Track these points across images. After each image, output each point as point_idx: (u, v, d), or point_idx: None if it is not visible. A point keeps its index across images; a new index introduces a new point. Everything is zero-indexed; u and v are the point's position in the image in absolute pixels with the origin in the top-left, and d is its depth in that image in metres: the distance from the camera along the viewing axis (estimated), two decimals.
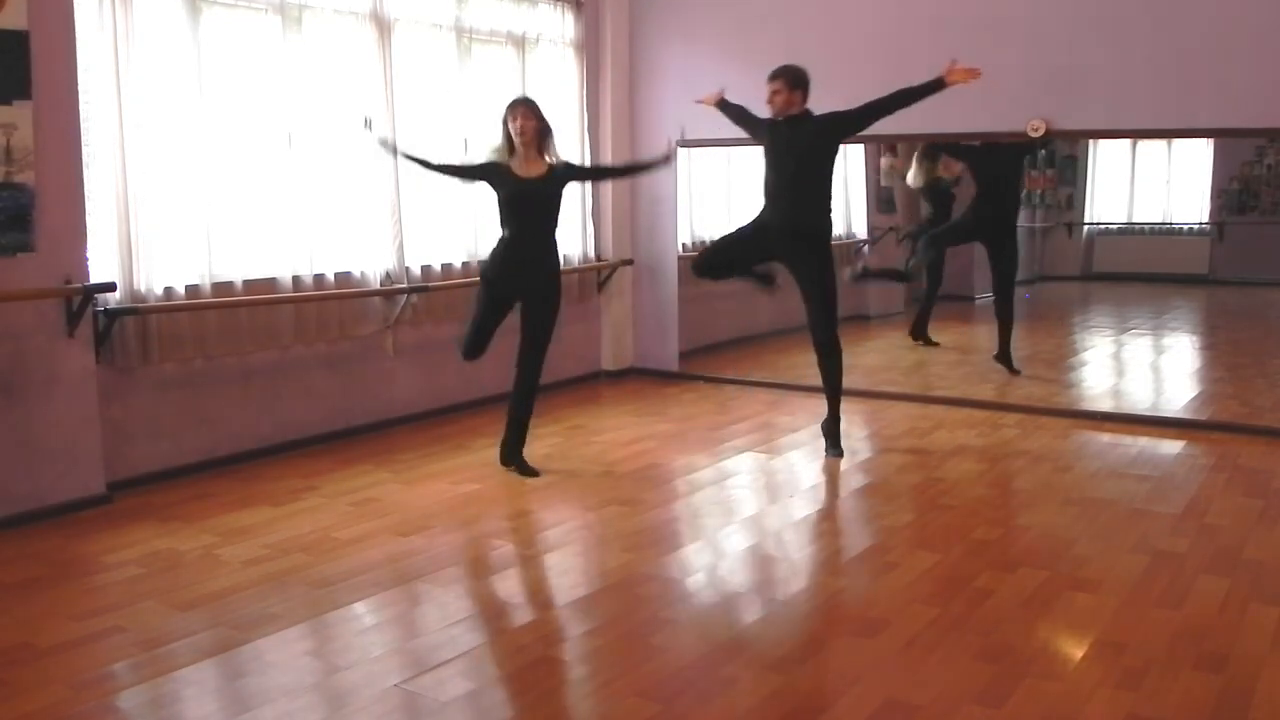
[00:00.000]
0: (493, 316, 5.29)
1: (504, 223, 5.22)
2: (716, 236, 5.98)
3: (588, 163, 7.31)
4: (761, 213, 5.65)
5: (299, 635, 3.52)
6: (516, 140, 5.13)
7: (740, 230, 5.79)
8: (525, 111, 5.12)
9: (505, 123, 5.16)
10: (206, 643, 3.45)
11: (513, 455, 5.37)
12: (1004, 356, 7.66)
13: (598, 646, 3.50)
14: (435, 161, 5.35)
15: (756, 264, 5.86)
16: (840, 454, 5.62)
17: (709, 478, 5.33)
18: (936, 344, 8.69)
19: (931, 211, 8.56)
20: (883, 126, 6.95)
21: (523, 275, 5.20)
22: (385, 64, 6.01)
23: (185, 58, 5.16)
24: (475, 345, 5.35)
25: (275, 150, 5.59)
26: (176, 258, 5.23)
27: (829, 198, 5.59)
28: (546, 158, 5.20)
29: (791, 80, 5.50)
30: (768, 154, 5.65)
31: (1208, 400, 7.20)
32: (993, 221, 7.62)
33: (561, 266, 5.43)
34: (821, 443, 5.75)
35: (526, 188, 5.15)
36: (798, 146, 5.50)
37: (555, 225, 5.27)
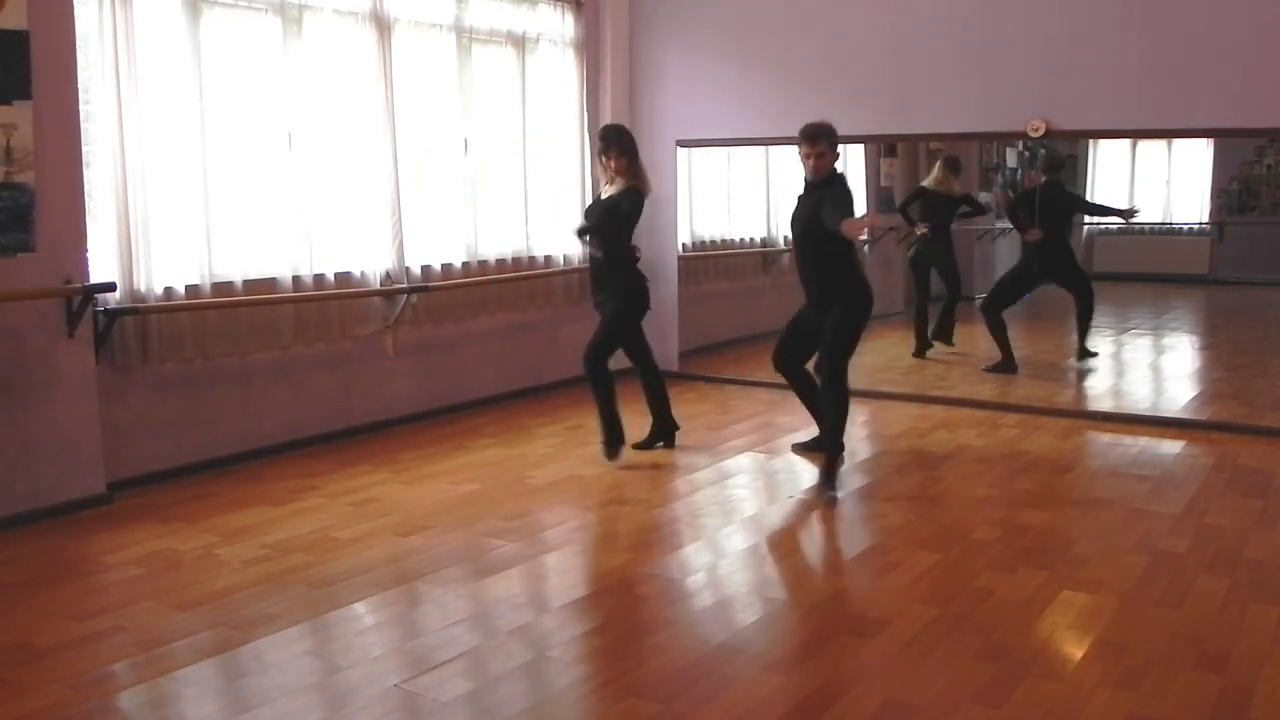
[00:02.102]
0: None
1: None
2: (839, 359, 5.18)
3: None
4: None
5: (299, 635, 3.52)
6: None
7: (798, 318, 5.37)
8: (616, 152, 5.45)
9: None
10: (206, 643, 3.45)
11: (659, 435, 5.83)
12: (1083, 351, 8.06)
13: (597, 646, 3.50)
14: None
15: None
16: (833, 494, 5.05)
17: (709, 478, 5.33)
18: (933, 345, 8.70)
19: (928, 220, 8.54)
20: (883, 126, 7.01)
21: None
22: (385, 64, 6.01)
23: (185, 58, 5.16)
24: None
25: (275, 150, 5.59)
26: (176, 258, 5.23)
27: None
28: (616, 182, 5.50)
29: (835, 141, 5.08)
30: (791, 224, 5.29)
31: (1208, 400, 7.20)
32: (1055, 257, 7.81)
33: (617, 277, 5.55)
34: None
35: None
36: (812, 211, 5.05)
37: (608, 241, 5.50)
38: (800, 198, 5.23)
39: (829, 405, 5.16)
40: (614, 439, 5.53)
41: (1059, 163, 7.99)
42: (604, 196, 5.57)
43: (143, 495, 5.01)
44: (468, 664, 3.31)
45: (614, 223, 5.45)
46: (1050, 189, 7.86)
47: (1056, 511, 4.78)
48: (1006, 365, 7.78)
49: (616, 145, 5.44)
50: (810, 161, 5.06)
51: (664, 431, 5.85)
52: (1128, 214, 8.82)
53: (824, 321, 5.16)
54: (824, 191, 5.02)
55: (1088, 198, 10.53)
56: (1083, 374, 8.06)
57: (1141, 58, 6.10)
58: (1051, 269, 7.87)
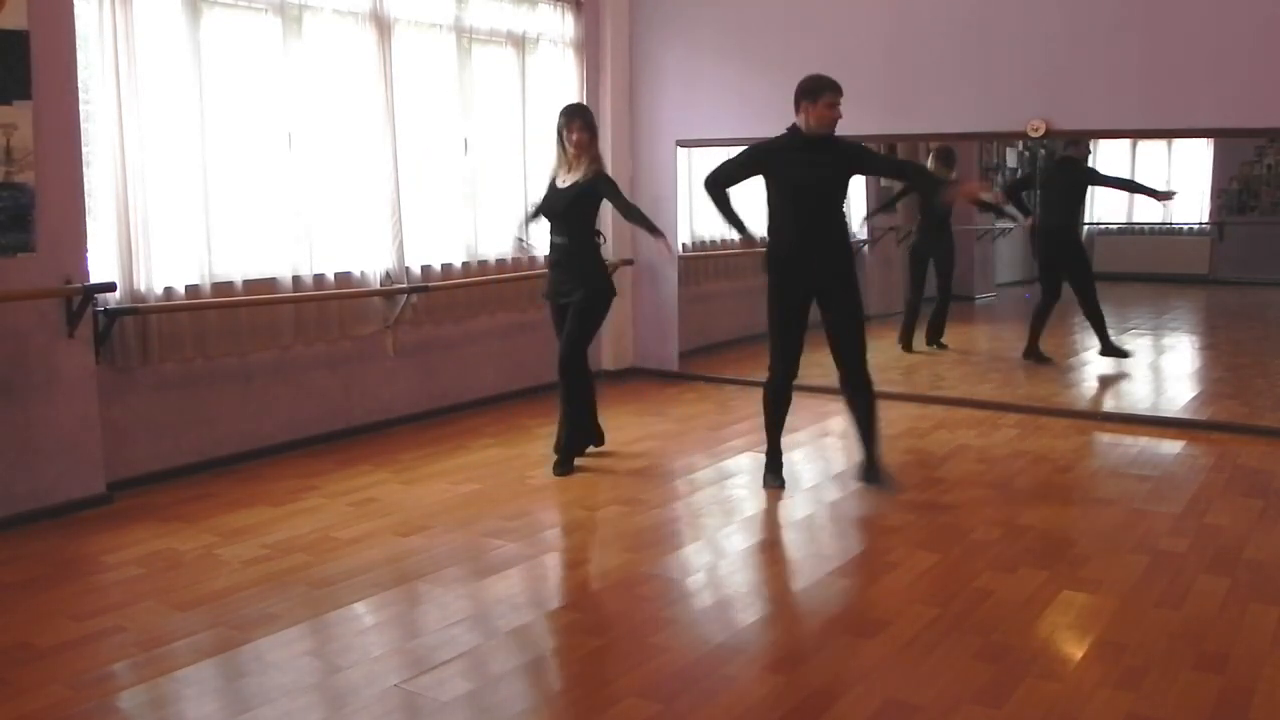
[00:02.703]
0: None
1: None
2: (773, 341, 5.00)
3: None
4: (783, 264, 4.85)
5: (299, 635, 3.52)
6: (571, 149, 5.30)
7: (785, 321, 4.92)
8: (580, 124, 5.26)
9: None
10: (206, 643, 3.45)
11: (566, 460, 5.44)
12: (1108, 348, 8.05)
13: (598, 646, 3.50)
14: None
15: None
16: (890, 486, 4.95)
17: (709, 478, 5.33)
18: (941, 343, 8.70)
19: (920, 217, 8.61)
20: (883, 126, 7.00)
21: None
22: (385, 64, 6.01)
23: (185, 58, 5.16)
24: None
25: (275, 150, 5.59)
26: (176, 258, 5.23)
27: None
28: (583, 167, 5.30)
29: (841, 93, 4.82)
30: (787, 183, 4.84)
31: (1208, 400, 7.20)
32: (1055, 235, 7.78)
33: (592, 263, 5.42)
34: (823, 442, 5.75)
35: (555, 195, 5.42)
36: (826, 170, 4.81)
37: (581, 229, 5.36)
38: (797, 156, 4.80)
39: (867, 405, 4.89)
40: (577, 449, 5.47)
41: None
42: (563, 184, 5.32)
43: (143, 495, 5.01)
44: (468, 664, 3.31)
45: (583, 208, 5.31)
46: (1068, 165, 7.75)
47: (1056, 511, 4.77)
48: (1030, 352, 7.90)
49: (580, 118, 5.25)
50: (830, 113, 4.72)
51: (589, 438, 5.60)
52: (1164, 195, 8.32)
53: (822, 300, 4.87)
54: (841, 150, 4.81)
55: (1088, 197, 10.50)
56: (1083, 374, 8.07)
57: (1141, 58, 6.09)
58: (1059, 256, 7.80)
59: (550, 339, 7.26)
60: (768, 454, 5.17)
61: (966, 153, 9.57)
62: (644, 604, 3.80)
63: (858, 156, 4.94)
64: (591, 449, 5.62)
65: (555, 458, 5.43)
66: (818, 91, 4.73)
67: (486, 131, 6.77)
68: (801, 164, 4.80)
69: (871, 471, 4.97)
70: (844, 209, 5.13)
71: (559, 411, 5.49)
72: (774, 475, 5.13)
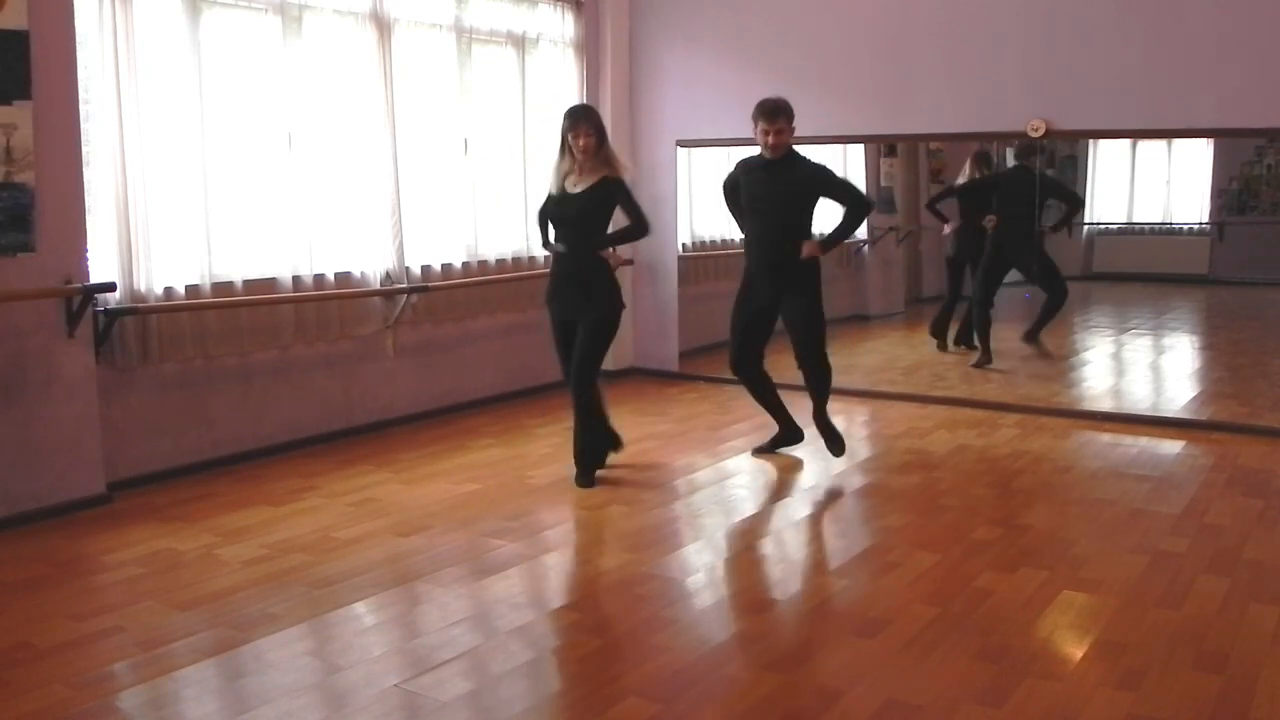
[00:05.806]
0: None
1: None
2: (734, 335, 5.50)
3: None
4: (746, 274, 5.43)
5: (299, 635, 3.52)
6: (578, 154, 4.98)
7: (742, 314, 5.49)
8: (587, 129, 4.94)
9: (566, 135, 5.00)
10: (206, 643, 3.45)
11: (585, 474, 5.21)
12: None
13: (598, 646, 3.50)
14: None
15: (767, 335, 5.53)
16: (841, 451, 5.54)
17: (709, 478, 5.33)
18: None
19: (965, 218, 8.50)
20: (883, 126, 7.01)
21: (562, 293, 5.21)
22: (385, 64, 6.01)
23: (185, 58, 5.16)
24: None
25: (275, 150, 5.59)
26: (176, 258, 5.23)
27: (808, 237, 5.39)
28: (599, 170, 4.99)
29: (791, 117, 5.21)
30: (746, 202, 5.37)
31: (1208, 400, 7.20)
32: (1021, 248, 7.76)
33: (604, 280, 5.12)
34: (822, 443, 5.75)
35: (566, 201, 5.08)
36: (783, 187, 5.25)
37: (592, 238, 5.04)
38: (755, 173, 5.30)
39: (819, 382, 5.48)
40: (599, 460, 5.27)
41: (1031, 149, 7.59)
42: (574, 188, 5.00)
43: (143, 495, 5.01)
44: (468, 664, 3.31)
45: (602, 217, 5.03)
46: (1019, 174, 7.72)
47: (1056, 511, 4.77)
48: (984, 359, 7.84)
49: (586, 122, 4.91)
50: (770, 139, 5.13)
51: (607, 445, 5.38)
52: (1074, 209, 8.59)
53: (781, 307, 5.37)
54: (800, 172, 5.19)
55: (1087, 197, 10.44)
56: (1082, 374, 8.06)
57: (1141, 58, 6.10)
58: (1016, 260, 7.79)
59: (550, 339, 7.27)
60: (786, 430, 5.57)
61: (967, 153, 9.55)
62: (644, 604, 3.80)
63: (821, 181, 5.27)
64: (613, 456, 5.41)
65: (575, 469, 5.20)
66: (754, 118, 5.18)
67: (486, 131, 6.77)
68: (758, 184, 5.30)
69: (822, 427, 5.54)
70: (805, 226, 5.36)
71: (575, 424, 5.22)
72: (793, 437, 5.60)
